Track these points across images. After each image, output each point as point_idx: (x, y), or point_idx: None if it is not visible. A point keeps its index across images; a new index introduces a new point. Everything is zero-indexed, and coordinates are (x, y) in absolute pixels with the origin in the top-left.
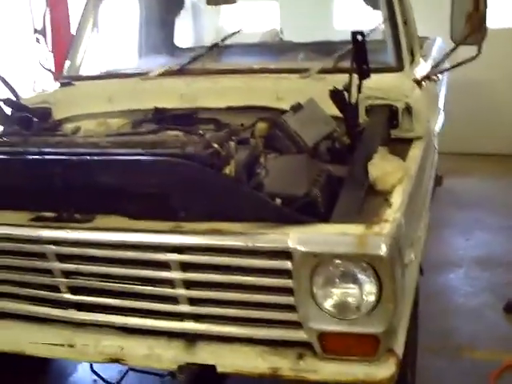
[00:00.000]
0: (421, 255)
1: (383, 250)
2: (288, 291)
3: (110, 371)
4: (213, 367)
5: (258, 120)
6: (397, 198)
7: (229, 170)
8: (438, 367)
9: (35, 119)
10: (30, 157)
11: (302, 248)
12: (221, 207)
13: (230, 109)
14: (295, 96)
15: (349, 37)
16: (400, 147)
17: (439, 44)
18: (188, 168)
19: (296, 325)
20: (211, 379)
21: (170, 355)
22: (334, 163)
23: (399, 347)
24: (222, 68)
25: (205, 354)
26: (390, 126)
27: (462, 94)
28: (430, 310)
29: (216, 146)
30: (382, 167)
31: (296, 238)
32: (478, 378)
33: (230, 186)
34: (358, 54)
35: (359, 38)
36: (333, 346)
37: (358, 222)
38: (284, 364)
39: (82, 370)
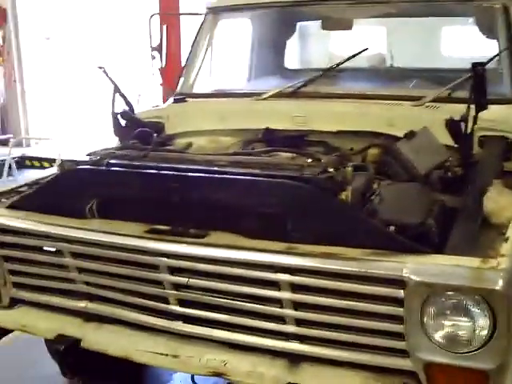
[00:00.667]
0: None
1: (499, 284)
2: (398, 319)
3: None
4: None
5: (371, 145)
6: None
7: (345, 195)
8: None
9: (155, 134)
10: (150, 171)
11: (416, 278)
12: (335, 232)
13: (340, 132)
14: (408, 123)
15: (457, 64)
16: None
17: None
18: (306, 191)
19: (403, 353)
20: None
21: (272, 374)
22: (446, 193)
23: None
24: (334, 92)
25: (307, 376)
26: (503, 159)
27: None
28: None
29: (332, 170)
30: (498, 200)
31: (411, 267)
32: None
33: (345, 212)
34: (477, 85)
35: (479, 69)
36: (439, 378)
37: (473, 254)
38: None
39: (178, 380)
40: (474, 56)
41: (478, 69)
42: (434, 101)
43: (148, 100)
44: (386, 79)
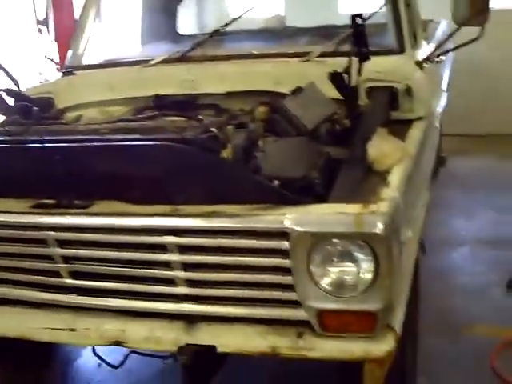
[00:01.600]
0: (420, 233)
1: (379, 227)
2: (286, 271)
3: (114, 354)
4: (213, 347)
5: (258, 104)
6: (394, 178)
7: (226, 153)
8: (440, 345)
9: (35, 108)
10: (30, 145)
11: (298, 228)
12: (218, 190)
13: (229, 94)
14: (295, 80)
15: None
16: (400, 128)
17: (444, 27)
18: (185, 152)
19: (295, 304)
20: (212, 359)
21: (170, 337)
22: (334, 145)
23: (398, 324)
24: (222, 54)
25: (205, 335)
26: (390, 108)
27: (467, 75)
28: (433, 288)
29: (214, 130)
30: (381, 148)
31: (293, 218)
32: (479, 354)
33: (226, 169)
34: (357, 37)
35: (358, 20)
36: (331, 323)
37: (354, 201)
38: (284, 343)
39: (87, 355)
40: (368, 12)
41: (356, 20)
42: (321, 56)
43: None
44: (279, 39)
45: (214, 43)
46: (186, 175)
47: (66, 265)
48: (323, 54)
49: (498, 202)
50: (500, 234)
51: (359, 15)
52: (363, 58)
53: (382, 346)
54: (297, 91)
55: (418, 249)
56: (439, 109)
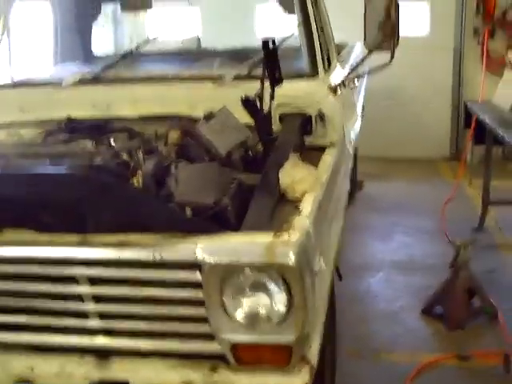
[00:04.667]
0: (336, 261)
1: (291, 258)
2: (199, 303)
3: None
4: (126, 383)
5: (170, 128)
6: (306, 206)
7: (136, 180)
8: (358, 371)
9: None
10: None
11: (209, 259)
12: (129, 219)
13: (143, 118)
14: (209, 104)
15: None
16: (313, 154)
17: (358, 50)
18: (94, 179)
19: (209, 337)
20: None
21: (81, 372)
22: (247, 171)
23: (313, 355)
24: (136, 76)
25: (118, 370)
26: (303, 133)
27: (379, 101)
28: (350, 314)
29: (124, 156)
30: (293, 174)
31: (204, 248)
32: (396, 379)
33: (136, 197)
34: (269, 61)
35: (270, 45)
36: (246, 356)
37: (266, 230)
38: (197, 377)
39: None
40: (285, 34)
41: (268, 45)
42: (235, 79)
43: None
44: (193, 61)
45: (128, 64)
46: (95, 203)
47: None
48: (237, 78)
49: (410, 225)
50: (414, 258)
51: (271, 39)
52: (275, 82)
53: (298, 379)
54: (210, 116)
55: (334, 275)
56: (353, 134)
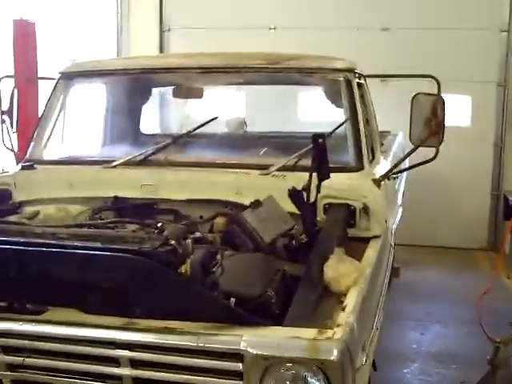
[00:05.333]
0: (374, 353)
1: (334, 354)
2: None
3: None
4: None
5: (217, 214)
6: (350, 301)
7: (184, 268)
8: None
9: None
10: None
11: (253, 350)
12: (175, 306)
13: (190, 201)
14: (255, 192)
15: (313, 129)
16: (357, 246)
17: (400, 139)
18: (144, 266)
19: None
20: None
21: None
22: (291, 261)
23: None
24: (184, 160)
25: None
26: (347, 225)
27: (419, 188)
28: None
29: (173, 242)
30: (337, 269)
31: (247, 340)
32: None
33: (184, 286)
34: (318, 155)
35: (319, 141)
36: None
37: (310, 325)
38: None
39: None
40: (331, 121)
41: (317, 140)
42: (281, 169)
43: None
44: (239, 146)
45: (175, 147)
46: (142, 288)
47: (9, 373)
48: (283, 168)
49: (445, 315)
50: (450, 349)
51: (321, 135)
52: (323, 176)
53: None
54: (256, 204)
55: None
56: (394, 224)
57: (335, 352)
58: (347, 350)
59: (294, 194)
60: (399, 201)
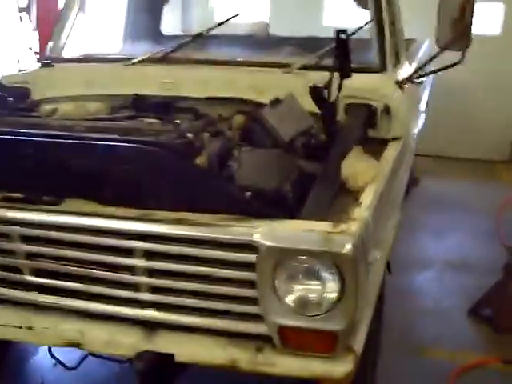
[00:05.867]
0: (388, 254)
1: (347, 248)
2: (251, 284)
3: (70, 354)
4: (171, 356)
5: (236, 112)
6: (366, 197)
7: (200, 160)
8: (400, 365)
9: (10, 98)
10: (2, 136)
11: (266, 242)
12: (190, 197)
13: (209, 99)
14: (276, 90)
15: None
16: (376, 147)
17: (426, 47)
18: (159, 156)
19: (257, 318)
20: (169, 368)
21: (129, 342)
22: (309, 159)
23: (358, 345)
24: (205, 58)
25: (164, 343)
26: (367, 126)
27: (444, 97)
28: (397, 309)
29: (190, 135)
30: (355, 166)
31: (262, 232)
32: (438, 377)
33: (199, 176)
34: (340, 52)
35: (342, 36)
36: (292, 340)
37: (325, 219)
38: (243, 356)
39: (42, 354)
40: (357, 25)
41: (340, 36)
42: (303, 68)
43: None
44: (261, 47)
45: (196, 46)
46: (158, 180)
47: (28, 261)
48: (305, 67)
49: (464, 224)
50: (466, 257)
51: (344, 31)
52: (345, 74)
53: (341, 368)
54: (276, 102)
55: (385, 269)
56: (416, 129)
57: (349, 245)
58: (361, 244)
59: (315, 91)
60: (422, 107)
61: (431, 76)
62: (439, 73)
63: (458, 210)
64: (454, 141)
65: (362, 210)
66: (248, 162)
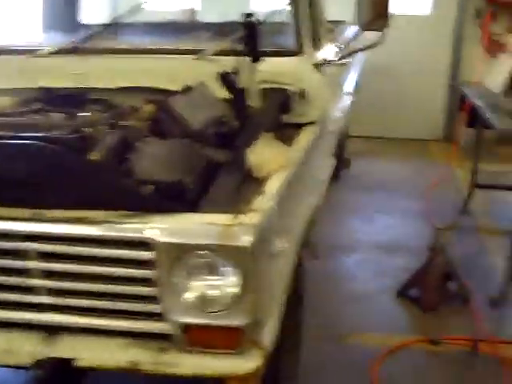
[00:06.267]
0: (305, 241)
1: (246, 241)
2: (150, 282)
3: None
4: (70, 361)
5: (145, 102)
6: (272, 186)
7: (95, 155)
8: (324, 353)
9: None
10: None
11: (160, 238)
12: (84, 194)
13: (121, 89)
14: (188, 78)
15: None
16: (291, 132)
17: (354, 28)
18: (51, 152)
19: (159, 316)
20: (72, 374)
21: (28, 349)
22: (220, 148)
23: (267, 339)
24: (117, 47)
25: (65, 348)
26: (282, 111)
27: (376, 78)
28: (323, 294)
29: (86, 129)
30: (262, 154)
31: (155, 228)
32: (363, 362)
33: (92, 172)
34: (248, 36)
35: (249, 20)
36: (196, 338)
37: (226, 211)
38: (145, 357)
39: None
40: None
41: (247, 20)
42: (217, 54)
43: None
44: (182, 34)
45: (109, 35)
46: (51, 177)
47: None
48: (219, 53)
49: (395, 206)
50: (396, 239)
51: (250, 14)
52: (255, 58)
53: (248, 364)
54: (186, 90)
55: (302, 256)
56: (339, 112)
57: (247, 238)
58: (261, 235)
59: (224, 78)
60: (348, 90)
61: (361, 57)
62: (370, 54)
63: (390, 191)
64: (386, 121)
65: (265, 200)
66: (150, 155)
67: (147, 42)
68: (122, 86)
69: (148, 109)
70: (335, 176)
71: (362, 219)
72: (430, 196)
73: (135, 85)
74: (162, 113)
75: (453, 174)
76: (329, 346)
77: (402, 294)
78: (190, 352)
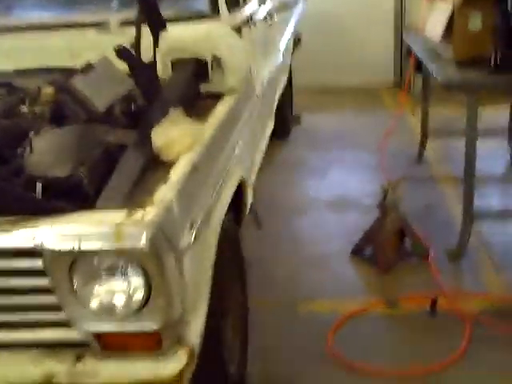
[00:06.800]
0: (221, 222)
1: (144, 241)
2: (48, 291)
3: None
4: None
5: (44, 84)
6: (176, 173)
7: None
8: (277, 326)
9: None
10: None
11: (49, 245)
12: None
13: (22, 71)
14: (92, 53)
15: None
16: (210, 103)
17: None
18: None
19: (67, 325)
20: None
21: None
22: (129, 129)
23: (193, 336)
24: (8, 24)
25: None
26: (199, 81)
27: (319, 29)
28: (272, 261)
29: None
30: (168, 134)
31: (43, 233)
32: (318, 332)
33: None
34: (145, 3)
35: None
36: (112, 343)
37: (120, 207)
38: (60, 368)
39: None
40: None
41: None
42: (122, 25)
43: None
44: (86, 5)
45: (5, 10)
46: None
47: None
48: (124, 23)
49: (348, 160)
50: (348, 196)
51: None
52: (156, 26)
53: (172, 365)
54: (87, 68)
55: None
56: (274, 72)
57: (144, 238)
58: (162, 230)
59: (120, 52)
60: (283, 46)
61: (302, 8)
62: (311, 3)
63: (342, 145)
64: (335, 71)
65: (166, 190)
66: (42, 146)
67: (43, 16)
68: (20, 67)
69: (48, 91)
70: (286, 134)
71: (313, 177)
72: (383, 147)
73: (35, 66)
74: (63, 95)
75: (406, 122)
76: (280, 318)
77: (356, 254)
78: (109, 357)
